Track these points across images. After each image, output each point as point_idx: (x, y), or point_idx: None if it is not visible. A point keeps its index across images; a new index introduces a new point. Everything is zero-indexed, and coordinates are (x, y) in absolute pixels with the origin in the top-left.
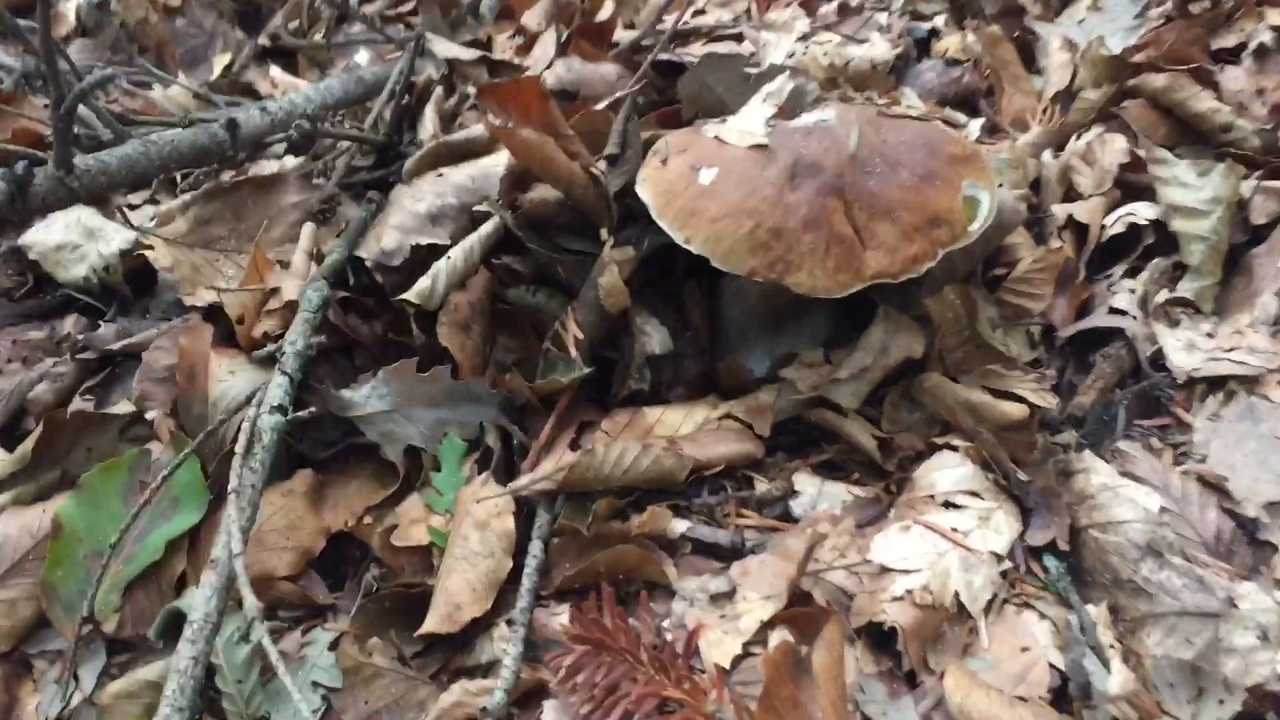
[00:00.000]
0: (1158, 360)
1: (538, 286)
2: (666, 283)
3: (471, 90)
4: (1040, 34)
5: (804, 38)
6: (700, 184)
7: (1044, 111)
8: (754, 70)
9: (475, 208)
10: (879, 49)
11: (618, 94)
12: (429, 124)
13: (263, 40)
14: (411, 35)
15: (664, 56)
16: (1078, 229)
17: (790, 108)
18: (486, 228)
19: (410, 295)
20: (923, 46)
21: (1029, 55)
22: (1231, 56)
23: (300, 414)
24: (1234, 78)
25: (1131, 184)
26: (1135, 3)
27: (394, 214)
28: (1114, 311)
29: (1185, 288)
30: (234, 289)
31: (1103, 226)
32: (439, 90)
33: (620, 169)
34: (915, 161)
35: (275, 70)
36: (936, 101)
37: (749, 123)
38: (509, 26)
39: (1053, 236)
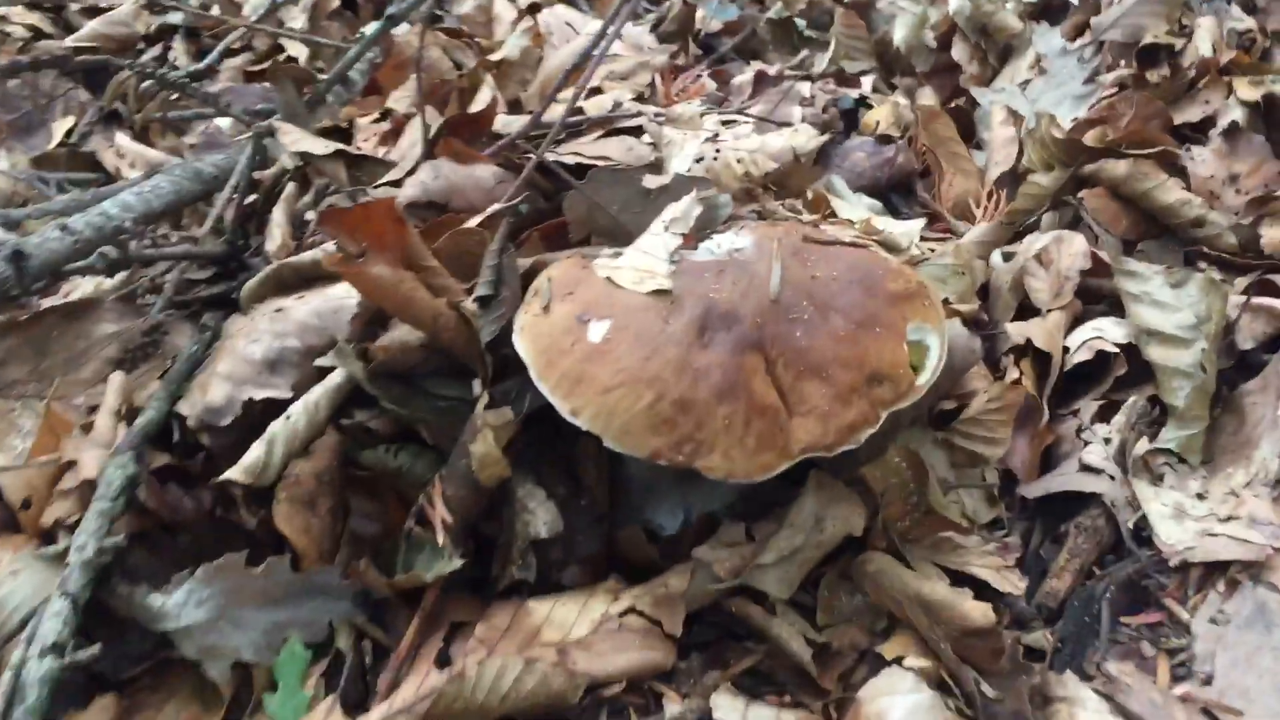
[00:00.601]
0: (1142, 531)
1: (400, 446)
2: (556, 440)
3: (334, 182)
4: (980, 101)
5: (713, 138)
6: (589, 341)
7: (989, 197)
8: (654, 184)
9: (319, 361)
10: (801, 136)
11: (495, 206)
12: (277, 231)
13: (105, 103)
14: (262, 125)
15: (551, 157)
16: (1037, 353)
17: (699, 228)
18: (336, 377)
19: (236, 473)
20: (850, 117)
21: (967, 124)
22: (1195, 132)
23: (80, 656)
24: (1203, 161)
25: (1094, 290)
26: (1083, 65)
27: (224, 358)
28: (1086, 469)
29: (1169, 437)
30: (16, 466)
31: (1065, 349)
32: (291, 187)
33: (494, 313)
34: (850, 303)
35: (122, 138)
36: (868, 187)
37: (648, 259)
38: (375, 104)
39: (1009, 365)
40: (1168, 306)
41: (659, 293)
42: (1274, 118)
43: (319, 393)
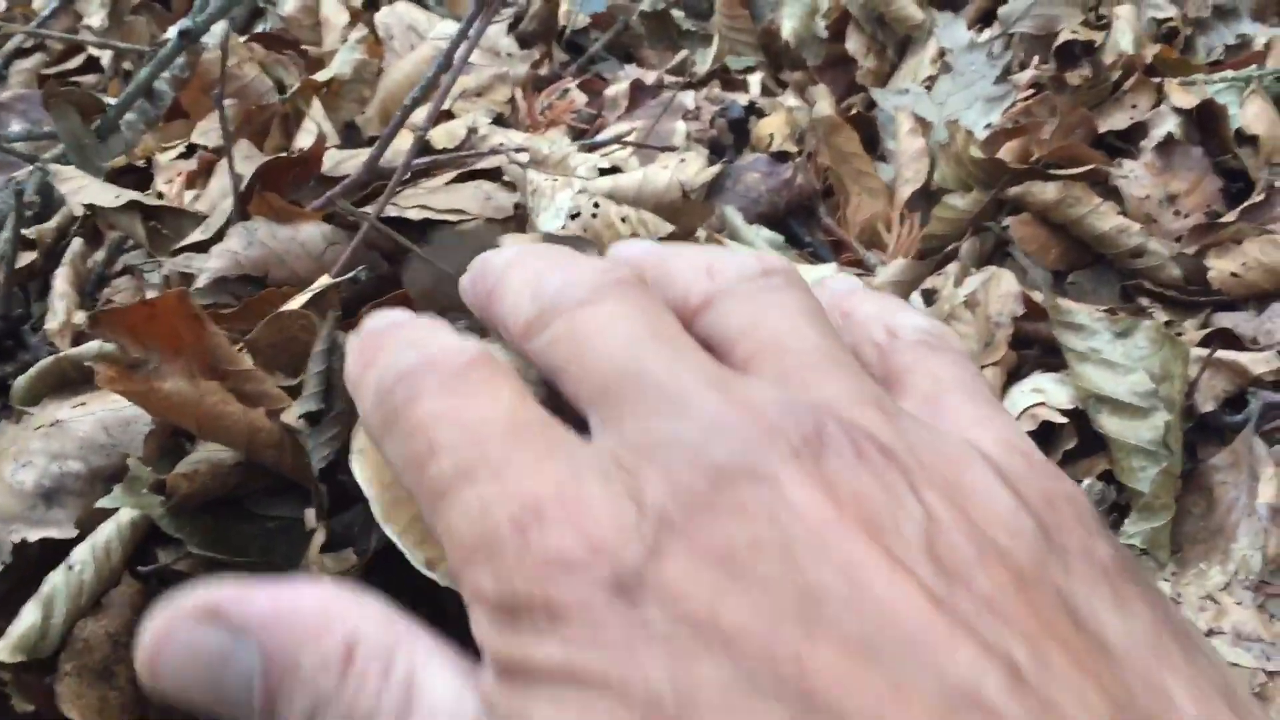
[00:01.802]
0: None
1: None
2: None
3: (131, 238)
4: (881, 105)
5: (582, 191)
6: None
7: (900, 221)
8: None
9: (101, 502)
10: (691, 167)
11: (325, 280)
12: (60, 305)
13: None
14: (43, 159)
15: (393, 212)
16: None
17: None
18: (130, 512)
19: (3, 652)
20: (739, 128)
21: (869, 130)
22: (1122, 142)
23: None
24: (1136, 179)
25: (1025, 334)
26: (993, 62)
27: None
28: None
29: (1133, 531)
30: None
31: None
32: (78, 243)
33: (326, 432)
34: None
35: None
36: (766, 214)
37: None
38: (181, 131)
39: None
40: (1118, 367)
41: None
42: (1209, 126)
43: (109, 531)
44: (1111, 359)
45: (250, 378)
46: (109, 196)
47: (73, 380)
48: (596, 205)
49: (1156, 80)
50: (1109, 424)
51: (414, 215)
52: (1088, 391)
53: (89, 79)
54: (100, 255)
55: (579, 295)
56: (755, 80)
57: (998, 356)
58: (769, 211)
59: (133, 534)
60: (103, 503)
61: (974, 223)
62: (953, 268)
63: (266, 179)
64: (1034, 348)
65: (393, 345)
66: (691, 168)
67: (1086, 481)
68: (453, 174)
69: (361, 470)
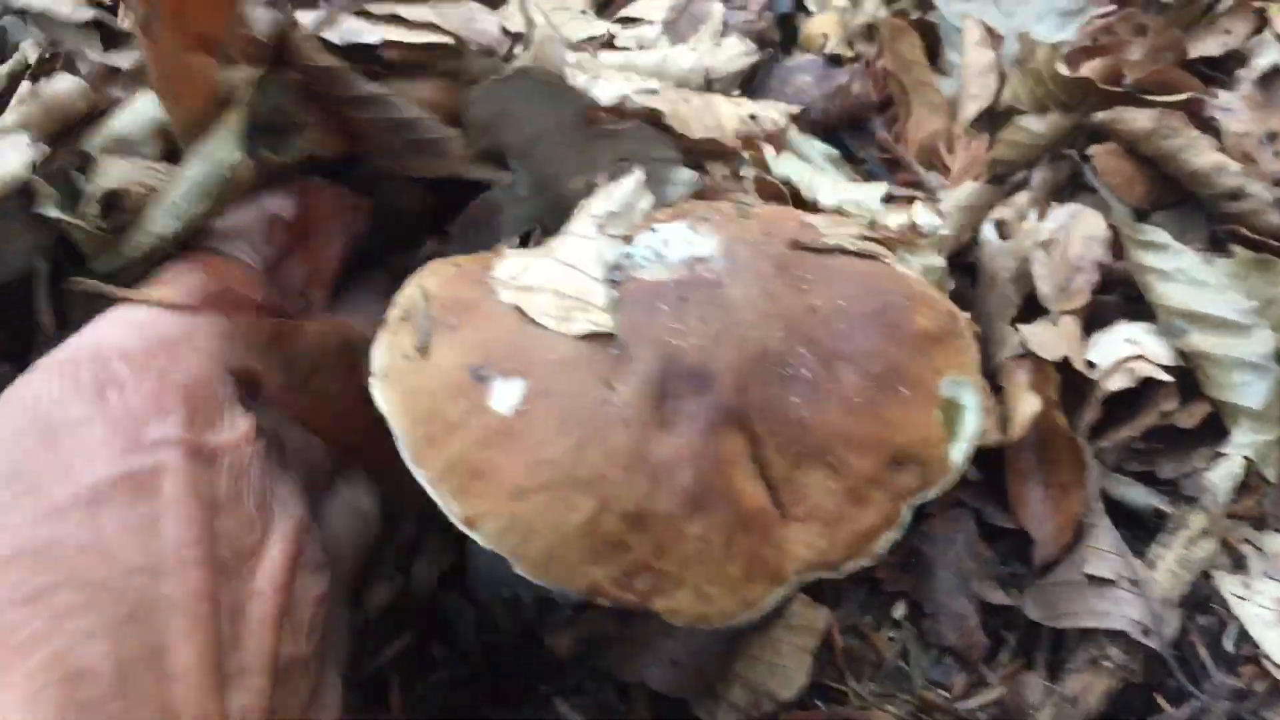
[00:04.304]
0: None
1: None
2: None
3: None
4: (944, 12)
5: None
6: (493, 411)
7: (964, 142)
8: (605, 122)
9: None
10: (723, 52)
11: None
12: None
13: None
14: None
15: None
16: (1064, 374)
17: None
18: None
19: None
20: (784, 26)
21: (930, 39)
22: (1212, 70)
23: None
24: (1233, 112)
25: (1112, 278)
26: None
27: None
28: (1093, 580)
29: (1243, 441)
30: None
31: (1090, 364)
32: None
33: None
34: (865, 349)
35: None
36: (817, 123)
37: (576, 278)
38: None
39: (1016, 388)
40: (1209, 286)
41: (596, 337)
42: None
43: None
44: (1201, 279)
45: None
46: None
47: None
48: (654, 91)
49: (1258, 4)
50: (1201, 341)
51: (372, 38)
52: (1173, 310)
53: None
54: None
55: None
56: None
57: (1077, 304)
58: (821, 120)
59: None
60: None
61: (1050, 149)
62: (1021, 197)
63: None
64: (1115, 293)
65: None
66: (725, 51)
67: (1228, 463)
68: None
69: (388, 396)
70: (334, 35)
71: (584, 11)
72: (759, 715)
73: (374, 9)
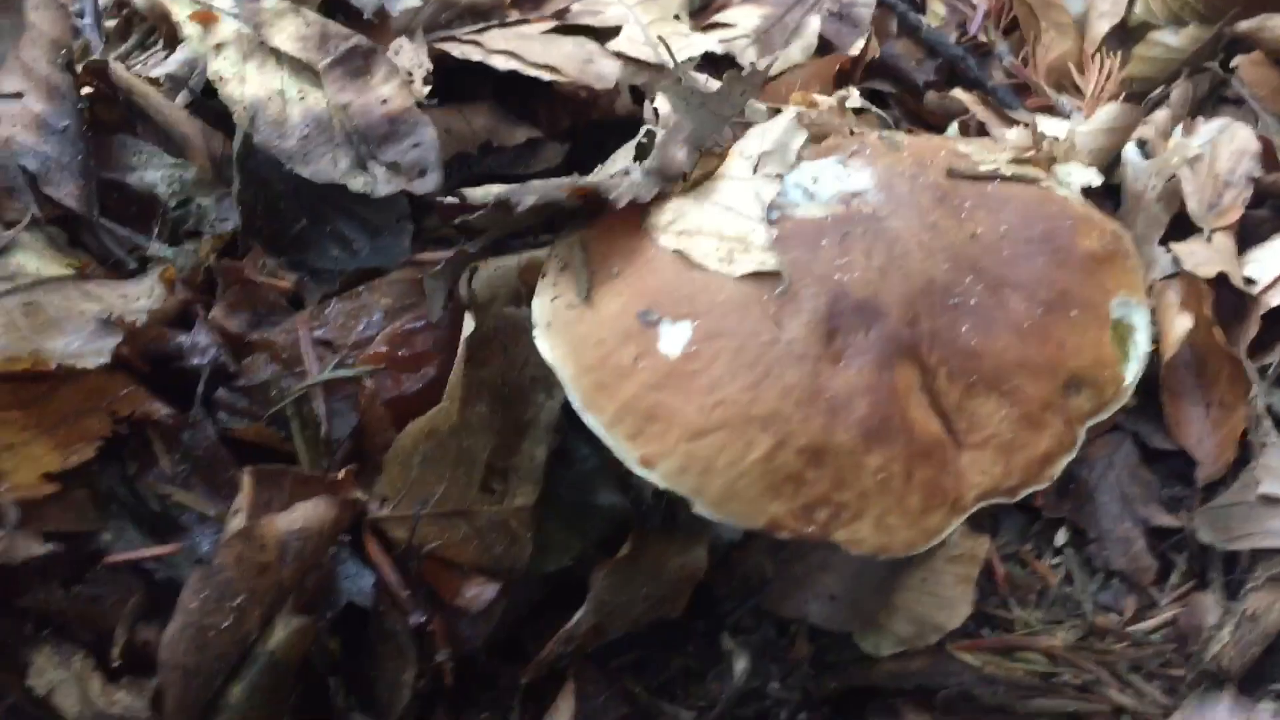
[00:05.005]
0: None
1: None
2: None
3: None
4: None
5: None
6: (663, 355)
7: (1096, 62)
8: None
9: None
10: None
11: None
12: None
13: None
14: None
15: (475, 55)
16: (1219, 289)
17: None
18: None
19: None
20: None
21: None
22: None
23: None
24: None
25: (1263, 192)
26: None
27: None
28: (1267, 500)
29: None
30: None
31: (1248, 280)
32: None
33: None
34: (1033, 275)
35: None
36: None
37: (737, 219)
38: None
39: (1171, 307)
40: None
41: (762, 276)
42: None
43: None
44: None
45: None
46: None
47: None
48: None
49: None
50: None
51: (499, 64)
52: None
53: None
54: None
55: None
56: None
57: (1230, 220)
58: (930, 45)
59: None
60: None
61: (1189, 63)
62: (1161, 115)
63: None
64: (1266, 206)
65: None
66: None
67: None
68: (552, 23)
69: (555, 346)
70: None
71: (677, 16)
72: (924, 645)
73: (487, 41)
